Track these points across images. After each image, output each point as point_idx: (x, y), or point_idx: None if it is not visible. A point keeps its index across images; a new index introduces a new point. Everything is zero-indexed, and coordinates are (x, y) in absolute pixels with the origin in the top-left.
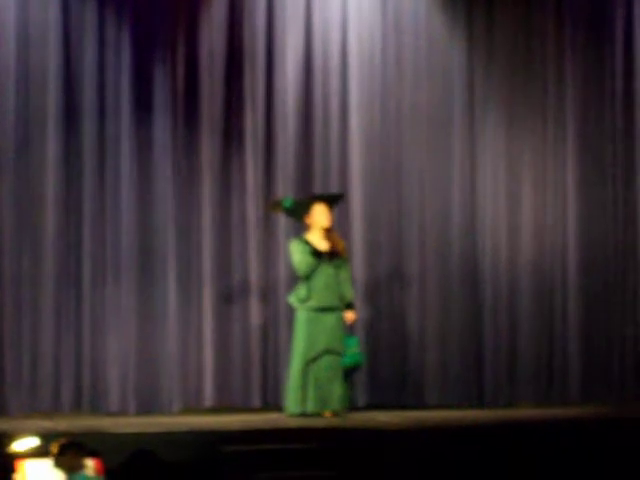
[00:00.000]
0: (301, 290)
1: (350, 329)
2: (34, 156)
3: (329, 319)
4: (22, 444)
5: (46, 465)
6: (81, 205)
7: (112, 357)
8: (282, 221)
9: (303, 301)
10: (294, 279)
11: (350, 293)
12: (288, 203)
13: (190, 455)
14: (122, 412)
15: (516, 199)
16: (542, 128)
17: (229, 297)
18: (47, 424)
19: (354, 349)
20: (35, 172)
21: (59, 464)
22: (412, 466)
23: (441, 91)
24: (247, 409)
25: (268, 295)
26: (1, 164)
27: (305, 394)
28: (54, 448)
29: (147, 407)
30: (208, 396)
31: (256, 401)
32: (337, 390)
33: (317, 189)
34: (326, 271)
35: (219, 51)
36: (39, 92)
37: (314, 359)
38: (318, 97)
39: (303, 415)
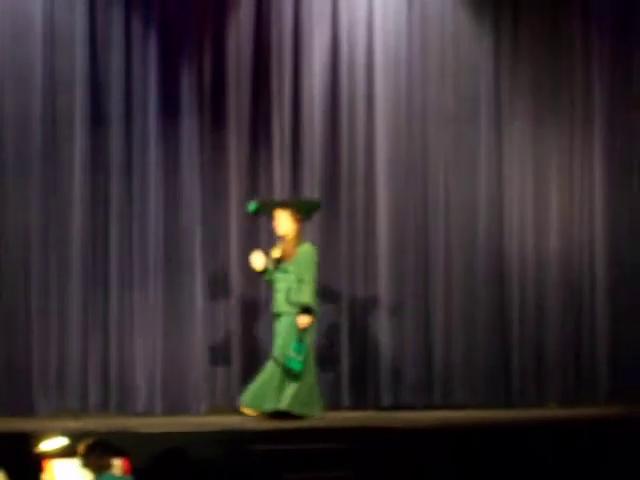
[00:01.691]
0: None
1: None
2: (61, 157)
3: (278, 324)
4: (50, 444)
5: (74, 465)
6: (108, 206)
7: (139, 357)
8: (310, 221)
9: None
10: (320, 277)
11: (303, 297)
12: (252, 208)
13: (217, 454)
14: (149, 412)
15: (543, 197)
16: (569, 127)
17: (256, 298)
18: (75, 424)
19: (297, 356)
20: (62, 173)
21: (86, 464)
22: (440, 466)
23: (467, 89)
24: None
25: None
26: (29, 165)
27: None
28: (81, 448)
29: (174, 407)
30: (235, 396)
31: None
32: (272, 392)
33: (344, 188)
34: (278, 277)
35: (246, 52)
36: (66, 93)
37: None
38: (344, 96)
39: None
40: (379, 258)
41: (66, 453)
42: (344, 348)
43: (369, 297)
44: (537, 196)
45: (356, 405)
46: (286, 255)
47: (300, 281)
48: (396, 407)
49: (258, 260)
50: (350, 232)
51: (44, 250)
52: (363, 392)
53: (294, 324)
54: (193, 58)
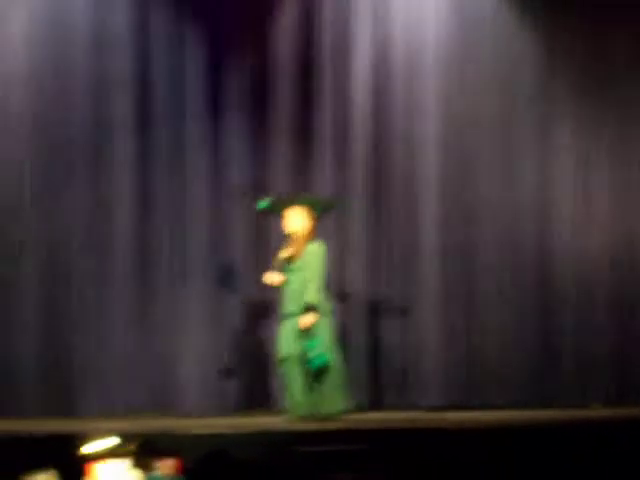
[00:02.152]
0: None
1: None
2: (107, 159)
3: (287, 325)
4: (95, 446)
5: (120, 466)
6: (153, 207)
7: (187, 357)
8: (354, 220)
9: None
10: (367, 277)
11: (307, 297)
12: (263, 205)
13: (263, 455)
14: (197, 413)
15: (588, 196)
16: (615, 124)
17: None
18: (124, 425)
19: (317, 350)
20: (108, 174)
21: (137, 464)
22: (483, 467)
23: (512, 88)
24: None
25: (343, 295)
26: (74, 167)
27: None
28: (132, 448)
29: (222, 407)
30: (281, 397)
31: None
32: (293, 396)
33: (387, 187)
34: (288, 278)
35: (290, 52)
36: (111, 95)
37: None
38: (388, 96)
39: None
40: (424, 257)
41: (115, 454)
42: (388, 348)
43: (412, 294)
44: (582, 196)
45: (398, 406)
46: (295, 254)
47: (307, 280)
48: (439, 408)
49: (273, 278)
50: (394, 228)
51: (88, 251)
52: (405, 393)
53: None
54: (237, 57)
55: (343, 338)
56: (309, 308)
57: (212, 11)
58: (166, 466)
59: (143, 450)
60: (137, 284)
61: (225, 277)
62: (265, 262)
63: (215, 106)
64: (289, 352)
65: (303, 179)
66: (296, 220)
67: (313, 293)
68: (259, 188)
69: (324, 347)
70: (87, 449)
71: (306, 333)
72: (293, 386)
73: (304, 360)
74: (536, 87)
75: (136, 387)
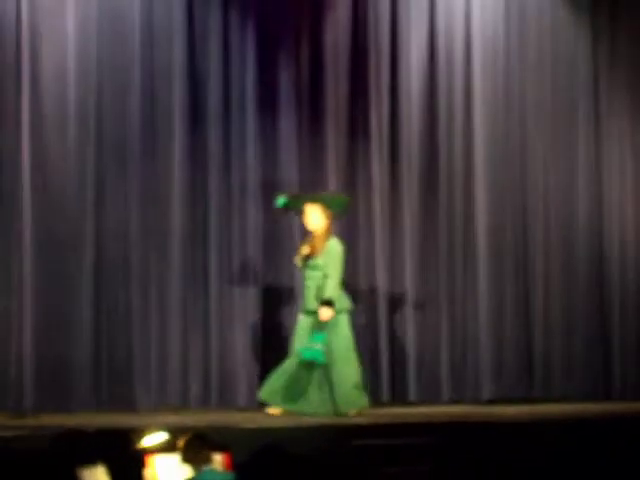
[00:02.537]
0: None
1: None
2: (160, 155)
3: (305, 322)
4: (152, 439)
5: (175, 460)
6: (207, 203)
7: (240, 352)
8: (408, 217)
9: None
10: (419, 273)
11: (326, 292)
12: (281, 202)
13: (317, 449)
14: (250, 407)
15: None
16: None
17: (355, 292)
18: (176, 419)
19: (317, 345)
20: (161, 171)
21: (187, 459)
22: (539, 459)
23: (565, 83)
24: (377, 403)
25: (395, 291)
26: (127, 163)
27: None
28: (181, 443)
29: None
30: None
31: (385, 395)
32: (311, 394)
33: (442, 182)
34: (306, 274)
35: (343, 48)
36: (165, 92)
37: (292, 360)
38: (442, 92)
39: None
40: (478, 252)
41: (167, 448)
42: (443, 342)
43: (468, 291)
44: (637, 192)
45: (455, 399)
46: (315, 251)
47: (325, 276)
48: (495, 401)
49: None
50: (449, 225)
51: (144, 248)
52: (463, 386)
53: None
54: (291, 53)
55: (392, 334)
56: (327, 303)
57: (264, 5)
58: (216, 461)
59: (193, 445)
60: (192, 280)
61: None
62: None
63: (266, 101)
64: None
65: (354, 175)
66: (314, 217)
67: (332, 288)
68: (309, 184)
69: (325, 345)
70: (143, 443)
71: (321, 327)
72: (305, 382)
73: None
74: (588, 84)
75: (192, 381)
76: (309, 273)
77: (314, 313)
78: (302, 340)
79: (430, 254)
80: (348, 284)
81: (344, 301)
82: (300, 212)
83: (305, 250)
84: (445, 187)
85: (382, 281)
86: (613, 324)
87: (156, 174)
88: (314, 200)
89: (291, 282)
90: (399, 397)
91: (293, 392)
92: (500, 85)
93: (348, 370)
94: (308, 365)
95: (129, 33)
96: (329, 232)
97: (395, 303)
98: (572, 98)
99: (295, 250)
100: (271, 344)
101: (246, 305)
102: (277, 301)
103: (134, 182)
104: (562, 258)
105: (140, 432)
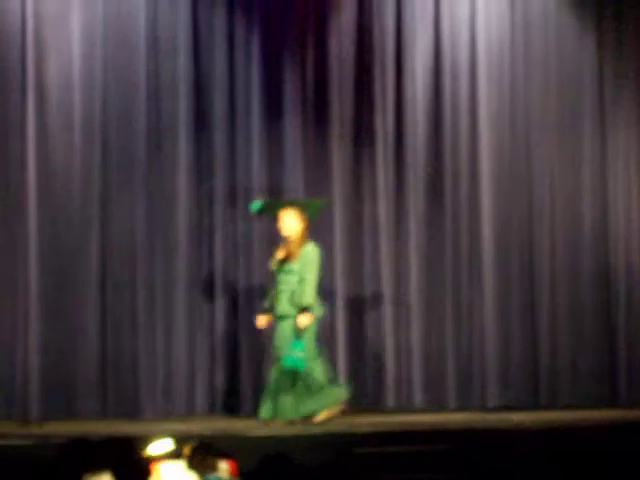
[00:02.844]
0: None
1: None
2: (166, 162)
3: (281, 327)
4: (157, 447)
5: (180, 467)
6: (213, 208)
7: (245, 360)
8: (413, 223)
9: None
10: (425, 279)
11: (304, 298)
12: (255, 208)
13: (321, 457)
14: (254, 415)
15: None
16: None
17: (360, 298)
18: (182, 427)
19: (297, 353)
20: (167, 176)
21: (192, 466)
22: (545, 468)
23: (571, 90)
24: (381, 411)
25: (400, 296)
26: (133, 170)
27: (264, 400)
28: (187, 450)
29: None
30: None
31: (390, 402)
32: (286, 399)
33: (447, 191)
34: (280, 279)
35: (348, 53)
36: (170, 98)
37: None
38: (447, 98)
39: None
40: (483, 258)
41: (172, 456)
42: (449, 348)
43: (474, 297)
44: None
45: (461, 406)
46: (290, 255)
47: (302, 281)
48: (502, 408)
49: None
50: (454, 231)
51: (149, 255)
52: (468, 393)
53: (294, 326)
54: (295, 60)
55: (398, 340)
56: (305, 309)
57: (269, 12)
58: (222, 468)
59: (199, 452)
60: (197, 288)
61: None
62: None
63: (272, 107)
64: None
65: (359, 181)
66: (289, 222)
67: (309, 294)
68: (315, 189)
69: (306, 352)
70: (149, 451)
71: (299, 333)
72: (282, 388)
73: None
74: (593, 90)
75: (198, 389)
76: (283, 277)
77: (288, 318)
78: (282, 347)
79: (435, 260)
80: (353, 290)
81: (317, 308)
82: (275, 217)
83: (280, 254)
84: (450, 193)
85: (387, 287)
86: (619, 330)
87: (162, 180)
88: (288, 205)
89: None
90: (404, 404)
91: (279, 400)
92: (505, 92)
93: (319, 370)
94: (290, 372)
95: (134, 39)
96: (305, 237)
97: (400, 307)
98: (577, 104)
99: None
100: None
101: (255, 313)
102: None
103: (140, 188)
104: (568, 263)
105: (146, 440)
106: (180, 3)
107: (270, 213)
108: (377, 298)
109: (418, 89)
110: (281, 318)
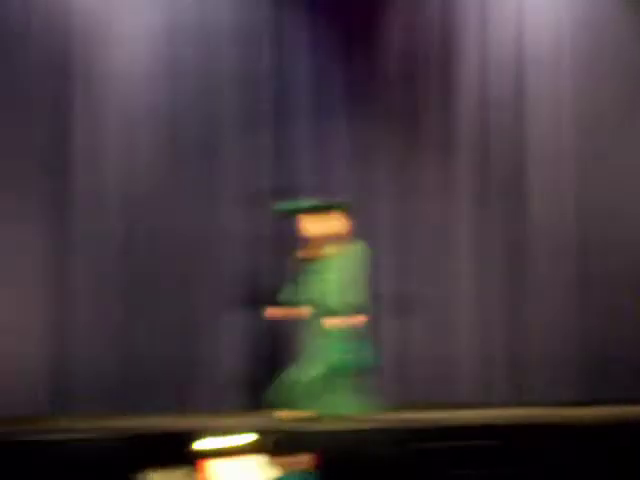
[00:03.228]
0: None
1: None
2: (215, 158)
3: (313, 325)
4: (206, 443)
5: (262, 461)
6: (263, 207)
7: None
8: (462, 219)
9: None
10: (475, 278)
11: (331, 300)
12: (281, 208)
13: (385, 452)
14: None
15: None
16: None
17: (410, 294)
18: (261, 421)
19: (344, 355)
20: (216, 175)
21: (273, 460)
22: (604, 463)
23: (625, 87)
24: (434, 406)
25: (450, 291)
26: (182, 167)
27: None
28: (269, 445)
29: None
30: (408, 393)
31: (443, 397)
32: (324, 396)
33: (495, 187)
34: (311, 278)
35: (396, 49)
36: (217, 95)
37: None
38: (496, 92)
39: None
40: (535, 257)
41: (254, 449)
42: (499, 343)
43: (528, 293)
44: None
45: (514, 402)
46: (317, 256)
47: (336, 281)
48: (556, 403)
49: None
50: (504, 228)
51: (197, 250)
52: (520, 388)
53: (331, 324)
54: (344, 56)
55: (452, 335)
56: (341, 310)
57: (318, 8)
58: (301, 462)
59: (280, 446)
60: (246, 282)
61: None
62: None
63: (324, 107)
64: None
65: (409, 179)
66: (312, 224)
67: (347, 295)
68: (363, 187)
69: (350, 352)
70: (197, 447)
71: (340, 334)
72: (316, 386)
73: (333, 361)
74: None
75: (257, 385)
76: (312, 277)
77: (323, 316)
78: (313, 344)
79: (486, 254)
80: (400, 290)
81: (355, 308)
82: (301, 217)
83: (309, 253)
84: (500, 186)
85: (437, 282)
86: None
87: (211, 179)
88: (311, 208)
89: None
90: (463, 400)
91: (315, 397)
92: (557, 87)
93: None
94: (334, 372)
95: (182, 37)
96: (334, 237)
97: (451, 303)
98: (633, 103)
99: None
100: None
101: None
102: None
103: (188, 184)
104: (623, 259)
105: (199, 434)
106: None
107: (295, 214)
108: (427, 294)
109: (466, 83)
110: (314, 315)
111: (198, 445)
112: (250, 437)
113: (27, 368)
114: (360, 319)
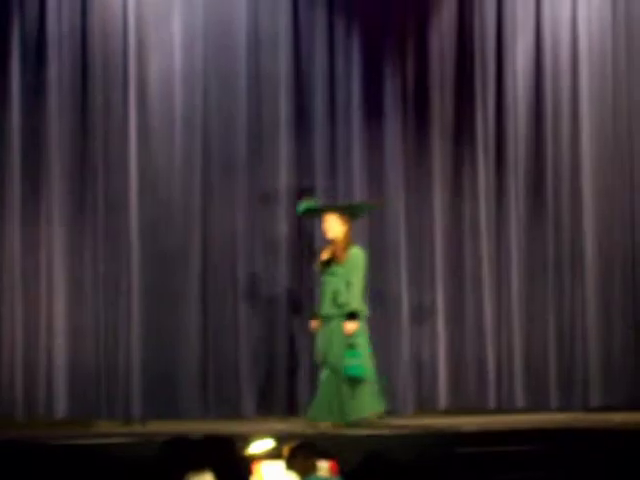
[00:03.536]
0: None
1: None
2: (266, 160)
3: (325, 328)
4: (258, 446)
5: (280, 467)
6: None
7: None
8: (514, 222)
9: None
10: (525, 280)
11: (351, 303)
12: (303, 208)
13: (423, 457)
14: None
15: None
16: None
17: (461, 300)
18: (282, 426)
19: (354, 361)
20: (267, 177)
21: (292, 466)
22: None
23: None
24: (482, 410)
25: (500, 297)
26: (234, 170)
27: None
28: (286, 450)
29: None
30: (443, 398)
31: (491, 402)
32: (333, 402)
33: (548, 191)
34: (323, 280)
35: (449, 53)
36: (270, 97)
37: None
38: (548, 97)
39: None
40: (585, 260)
41: (272, 455)
42: (551, 347)
43: (576, 297)
44: None
45: (563, 407)
46: (336, 258)
47: (348, 284)
48: (604, 408)
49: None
50: (556, 231)
51: (250, 255)
52: (571, 393)
53: (341, 328)
54: (396, 61)
55: (499, 340)
56: (352, 314)
57: (369, 13)
58: (322, 468)
59: (299, 452)
60: (298, 286)
61: None
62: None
63: (372, 108)
64: (327, 357)
65: (460, 181)
66: (332, 226)
67: (356, 300)
68: (415, 189)
69: (364, 358)
70: (250, 450)
71: (348, 339)
72: (324, 390)
73: (339, 365)
74: None
75: (300, 389)
76: (327, 279)
77: (331, 319)
78: (328, 347)
79: (537, 260)
80: (453, 291)
81: (364, 310)
82: (321, 219)
83: (324, 256)
84: (551, 194)
85: (488, 287)
86: None
87: (262, 181)
88: (331, 209)
89: (398, 290)
90: (506, 404)
91: (327, 403)
92: (607, 90)
93: (370, 375)
94: (347, 378)
95: (235, 40)
96: (349, 239)
97: (501, 308)
98: None
99: (398, 257)
100: (378, 351)
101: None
102: (384, 309)
103: (240, 189)
104: None
105: (246, 439)
106: (281, 3)
107: (315, 215)
108: (477, 297)
109: (519, 88)
110: (325, 319)
111: (250, 448)
112: (269, 443)
113: (75, 373)
114: (357, 324)
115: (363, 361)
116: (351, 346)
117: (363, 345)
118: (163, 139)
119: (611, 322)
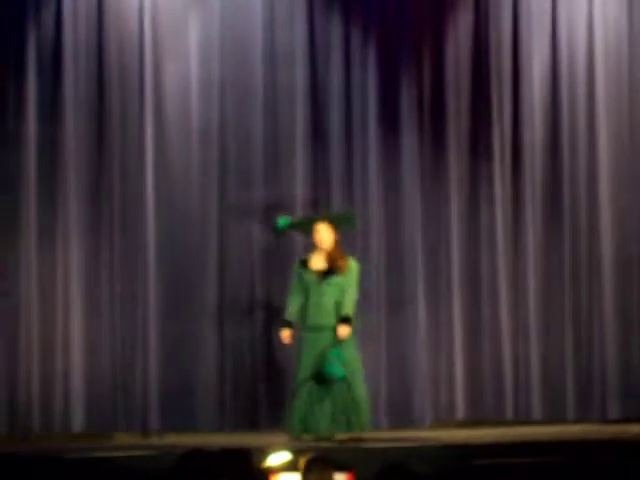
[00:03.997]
0: (292, 308)
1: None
2: (282, 172)
3: (323, 338)
4: (275, 459)
5: None
6: None
7: (365, 372)
8: (530, 234)
9: (300, 320)
10: (542, 291)
11: (345, 309)
12: (282, 223)
13: (440, 468)
14: (374, 426)
15: None
16: None
17: (478, 310)
18: (298, 439)
19: (337, 362)
20: (284, 189)
21: (308, 479)
22: None
23: None
24: (500, 422)
25: (517, 307)
26: (250, 181)
27: (292, 415)
28: (303, 463)
29: (399, 421)
30: (460, 409)
31: (508, 414)
32: (321, 414)
33: (566, 195)
34: (320, 290)
35: (465, 64)
36: (287, 108)
37: (305, 380)
38: (565, 106)
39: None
40: (603, 270)
41: (288, 468)
42: (568, 358)
43: (593, 307)
44: None
45: (581, 418)
46: (337, 268)
47: (345, 294)
48: (623, 420)
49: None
50: (573, 241)
51: (267, 262)
52: (588, 404)
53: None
54: (412, 72)
55: (516, 351)
56: (345, 320)
57: (385, 25)
58: None
59: (315, 465)
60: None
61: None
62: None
63: (389, 118)
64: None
65: (477, 191)
66: (328, 235)
67: (350, 305)
68: (431, 200)
69: (348, 365)
70: (267, 463)
71: (336, 344)
72: (335, 401)
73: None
74: None
75: None
76: (326, 289)
77: (329, 329)
78: (320, 358)
79: (554, 270)
80: (470, 302)
81: (356, 320)
82: (309, 233)
83: (319, 265)
84: (569, 202)
85: (505, 297)
86: None
87: (278, 192)
88: (324, 219)
89: (414, 300)
90: (524, 416)
91: (314, 416)
92: (624, 98)
93: (362, 388)
94: (329, 386)
95: (251, 52)
96: (342, 249)
97: (519, 318)
98: None
99: (415, 267)
100: (394, 363)
101: (369, 325)
102: (400, 320)
103: (256, 199)
104: None
105: (263, 452)
106: (296, 13)
107: (303, 229)
108: (494, 308)
109: (535, 97)
110: (321, 329)
111: (267, 461)
112: (286, 455)
113: (92, 387)
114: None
115: (345, 366)
116: (338, 348)
117: (350, 355)
118: (180, 151)
119: (629, 332)
